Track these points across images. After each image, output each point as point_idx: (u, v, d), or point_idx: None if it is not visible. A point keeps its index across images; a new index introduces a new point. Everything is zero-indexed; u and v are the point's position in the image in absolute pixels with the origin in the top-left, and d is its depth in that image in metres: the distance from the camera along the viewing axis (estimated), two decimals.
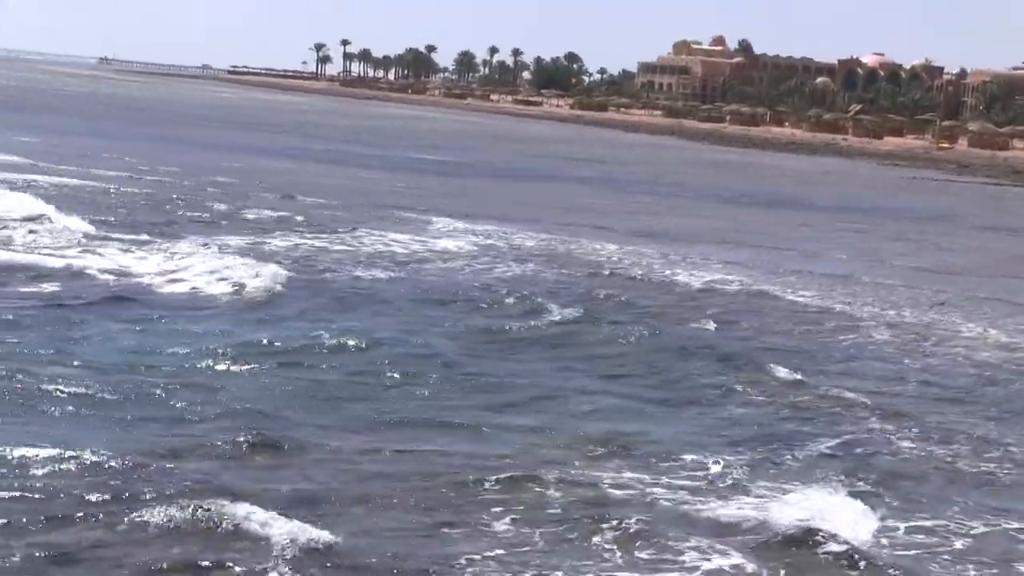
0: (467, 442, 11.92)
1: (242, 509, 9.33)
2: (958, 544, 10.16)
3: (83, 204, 27.85)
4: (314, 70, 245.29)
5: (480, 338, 16.70)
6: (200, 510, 9.28)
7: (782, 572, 9.25)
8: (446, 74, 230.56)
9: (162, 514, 9.20)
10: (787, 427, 13.30)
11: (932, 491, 11.48)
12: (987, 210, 53.48)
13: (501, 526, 9.76)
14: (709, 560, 9.32)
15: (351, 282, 20.58)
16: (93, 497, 9.54)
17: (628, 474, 11.17)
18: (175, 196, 31.77)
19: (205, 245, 23.04)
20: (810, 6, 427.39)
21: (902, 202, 53.79)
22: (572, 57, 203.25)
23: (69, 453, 10.34)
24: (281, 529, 9.12)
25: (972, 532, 10.45)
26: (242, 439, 11.19)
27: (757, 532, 9.97)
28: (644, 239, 30.62)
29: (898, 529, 10.32)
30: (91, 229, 23.75)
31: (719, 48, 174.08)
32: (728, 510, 10.41)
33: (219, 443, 11.13)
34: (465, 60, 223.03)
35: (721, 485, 11.09)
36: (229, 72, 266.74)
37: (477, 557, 9.13)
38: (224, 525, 9.16)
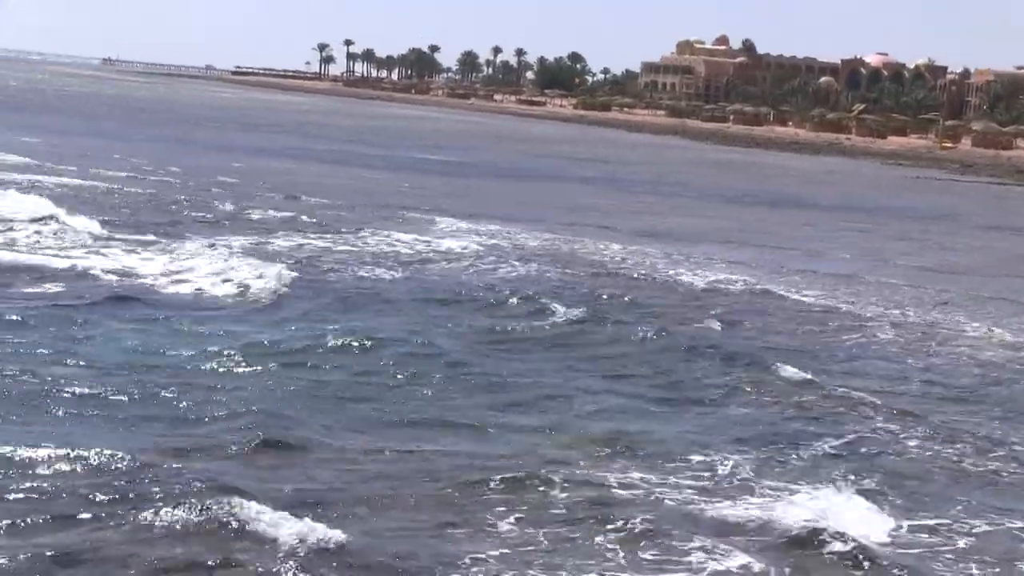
0: (471, 442, 11.93)
1: (248, 508, 9.34)
2: (963, 543, 10.17)
3: (88, 205, 27.90)
4: (317, 70, 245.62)
5: (484, 338, 16.71)
6: (206, 510, 9.30)
7: (788, 572, 9.26)
8: (449, 74, 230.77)
9: (168, 514, 9.22)
10: (792, 427, 13.31)
11: (937, 490, 11.48)
12: (991, 209, 53.45)
13: (505, 526, 9.77)
14: (715, 560, 9.32)
15: (355, 282, 20.60)
16: (99, 497, 9.56)
17: (633, 474, 11.17)
18: (179, 196, 31.82)
19: (210, 246, 23.08)
20: (813, 6, 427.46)
21: (906, 201, 53.77)
22: (575, 57, 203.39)
23: (74, 453, 10.36)
24: (287, 529, 9.13)
25: (976, 531, 10.45)
26: (247, 439, 11.21)
27: (763, 532, 9.98)
28: (648, 239, 30.62)
29: (903, 528, 10.31)
30: (96, 230, 23.80)
31: (722, 48, 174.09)
32: (733, 510, 10.41)
33: (224, 443, 11.15)
34: (468, 60, 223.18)
35: (726, 485, 11.09)
36: (233, 72, 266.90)
37: (481, 556, 9.13)
38: (230, 525, 9.18)
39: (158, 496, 9.60)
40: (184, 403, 12.38)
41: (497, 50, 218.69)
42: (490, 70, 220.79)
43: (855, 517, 10.26)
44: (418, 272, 22.27)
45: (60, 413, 11.75)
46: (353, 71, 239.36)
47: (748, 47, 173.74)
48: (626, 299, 20.40)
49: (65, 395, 12.30)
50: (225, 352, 14.52)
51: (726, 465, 11.60)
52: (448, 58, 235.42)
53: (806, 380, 15.18)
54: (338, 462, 11.01)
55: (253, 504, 9.41)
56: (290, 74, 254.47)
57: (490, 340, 16.61)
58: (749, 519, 10.19)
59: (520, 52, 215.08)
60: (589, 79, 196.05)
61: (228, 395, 12.75)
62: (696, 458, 11.77)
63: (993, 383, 16.38)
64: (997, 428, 13.92)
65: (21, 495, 9.57)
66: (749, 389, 14.68)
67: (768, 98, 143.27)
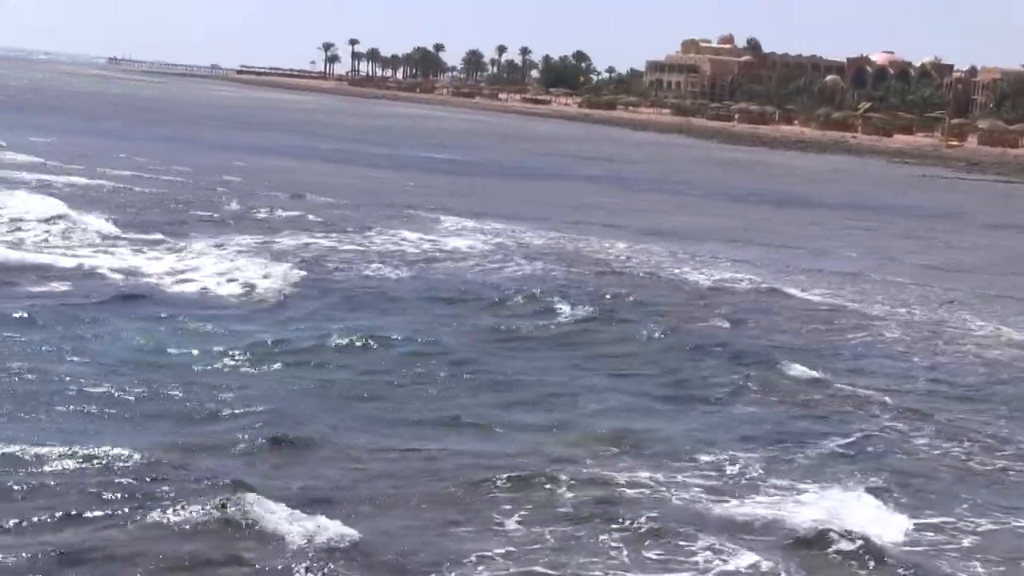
0: (477, 440, 11.94)
1: (256, 506, 9.36)
2: (970, 541, 10.17)
3: (96, 204, 27.96)
4: (322, 69, 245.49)
5: (490, 337, 16.71)
6: (214, 508, 9.31)
7: (796, 571, 9.25)
8: (454, 73, 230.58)
9: (175, 512, 9.24)
10: (799, 425, 13.30)
11: (944, 489, 11.48)
12: (997, 208, 53.38)
13: (511, 524, 9.78)
14: (722, 559, 9.32)
15: (361, 281, 20.62)
16: (106, 495, 9.59)
17: (639, 473, 11.17)
18: (186, 196, 31.89)
19: (216, 245, 23.14)
20: (819, 4, 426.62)
21: (912, 200, 53.70)
22: (580, 56, 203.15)
23: (82, 451, 10.39)
24: (294, 526, 9.15)
25: (982, 530, 10.45)
26: (254, 437, 11.24)
27: (770, 531, 9.97)
28: (653, 237, 30.61)
29: (911, 527, 10.31)
30: (104, 229, 23.87)
31: (728, 46, 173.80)
32: (741, 509, 10.41)
33: (231, 441, 11.18)
34: (473, 59, 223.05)
35: (733, 484, 11.09)
36: (238, 72, 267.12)
37: (487, 554, 9.14)
38: (238, 522, 9.20)
39: (165, 494, 9.63)
40: (191, 402, 12.41)
41: (502, 49, 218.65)
42: (495, 69, 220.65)
43: (863, 516, 10.25)
44: (424, 271, 22.29)
45: (67, 411, 11.78)
46: (358, 70, 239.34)
47: (753, 46, 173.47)
48: (632, 298, 20.39)
49: (72, 393, 12.33)
50: (232, 351, 14.55)
51: (733, 464, 11.60)
52: (453, 57, 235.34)
53: (813, 379, 15.18)
54: (345, 460, 11.03)
55: (261, 502, 9.43)
56: (295, 73, 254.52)
57: (496, 339, 16.62)
58: (756, 518, 10.19)
59: (525, 51, 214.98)
60: (594, 78, 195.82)
61: (235, 394, 12.78)
62: (703, 457, 11.77)
63: (1000, 382, 16.36)
64: (1004, 427, 13.91)
65: (28, 493, 9.59)
66: (756, 388, 14.67)
67: (773, 97, 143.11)
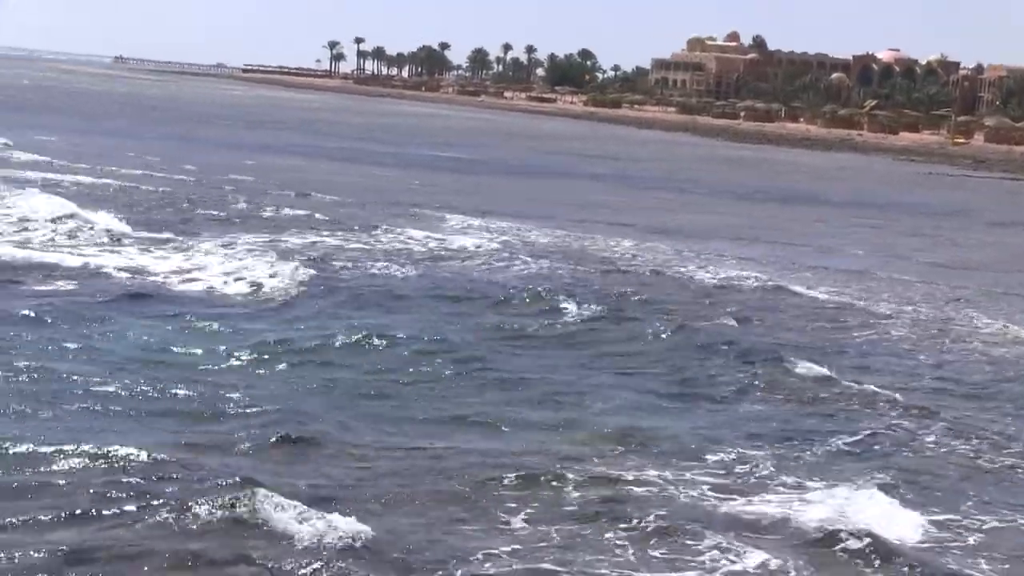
0: (484, 439, 11.95)
1: (263, 504, 9.37)
2: (977, 539, 10.15)
3: (104, 203, 27.98)
4: (328, 68, 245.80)
5: (496, 335, 16.72)
6: (221, 506, 9.32)
7: (804, 569, 9.24)
8: (460, 71, 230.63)
9: (183, 510, 9.24)
10: (807, 423, 13.29)
11: (951, 486, 11.46)
12: (1003, 205, 53.32)
13: (518, 522, 9.78)
14: (729, 557, 9.30)
15: (367, 280, 20.64)
16: (114, 493, 9.59)
17: (647, 471, 11.16)
18: (193, 194, 31.93)
19: (223, 244, 23.16)
20: (825, 1, 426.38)
21: (918, 198, 53.63)
22: (586, 54, 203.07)
23: (89, 449, 10.40)
24: (302, 524, 9.16)
25: (988, 527, 10.43)
26: (261, 436, 11.26)
27: (778, 529, 9.96)
28: (659, 235, 30.60)
29: (918, 524, 10.28)
30: (112, 228, 23.92)
31: (733, 44, 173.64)
32: (749, 507, 10.39)
33: (239, 439, 11.19)
34: (479, 57, 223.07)
35: (741, 482, 11.08)
36: (243, 71, 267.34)
37: (494, 552, 9.14)
38: (246, 520, 9.20)
39: (173, 493, 9.63)
40: (198, 400, 12.42)
41: (507, 47, 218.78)
42: (500, 67, 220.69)
43: (871, 514, 10.23)
44: (430, 269, 22.30)
45: (74, 409, 11.79)
46: (363, 69, 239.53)
47: (759, 43, 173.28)
48: (638, 296, 20.38)
49: (79, 392, 12.34)
50: (239, 349, 14.57)
51: (741, 462, 11.58)
52: (458, 55, 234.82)
53: (820, 376, 15.16)
54: (351, 459, 11.03)
55: (269, 500, 9.43)
56: (301, 72, 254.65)
57: (502, 337, 16.62)
58: (764, 516, 10.17)
59: (530, 49, 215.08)
60: (599, 76, 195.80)
61: (242, 392, 12.79)
62: (710, 455, 11.76)
63: (1007, 379, 16.34)
64: (1011, 424, 13.89)
65: (36, 492, 9.60)
66: (762, 385, 14.66)
67: (779, 94, 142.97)
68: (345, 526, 9.20)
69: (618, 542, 9.48)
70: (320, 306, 17.95)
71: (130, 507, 9.33)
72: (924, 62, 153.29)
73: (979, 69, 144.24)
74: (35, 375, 12.80)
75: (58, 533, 8.87)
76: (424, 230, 27.65)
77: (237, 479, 9.95)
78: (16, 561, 8.36)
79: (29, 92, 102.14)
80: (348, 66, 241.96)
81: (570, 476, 10.75)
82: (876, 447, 12.54)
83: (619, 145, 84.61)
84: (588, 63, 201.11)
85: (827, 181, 61.51)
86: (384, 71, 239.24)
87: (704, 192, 48.74)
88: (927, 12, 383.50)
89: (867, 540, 9.64)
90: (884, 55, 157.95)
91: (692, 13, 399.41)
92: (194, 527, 9.10)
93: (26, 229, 23.14)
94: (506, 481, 10.56)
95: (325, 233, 26.02)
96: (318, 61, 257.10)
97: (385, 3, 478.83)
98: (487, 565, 8.94)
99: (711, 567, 9.17)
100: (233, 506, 9.33)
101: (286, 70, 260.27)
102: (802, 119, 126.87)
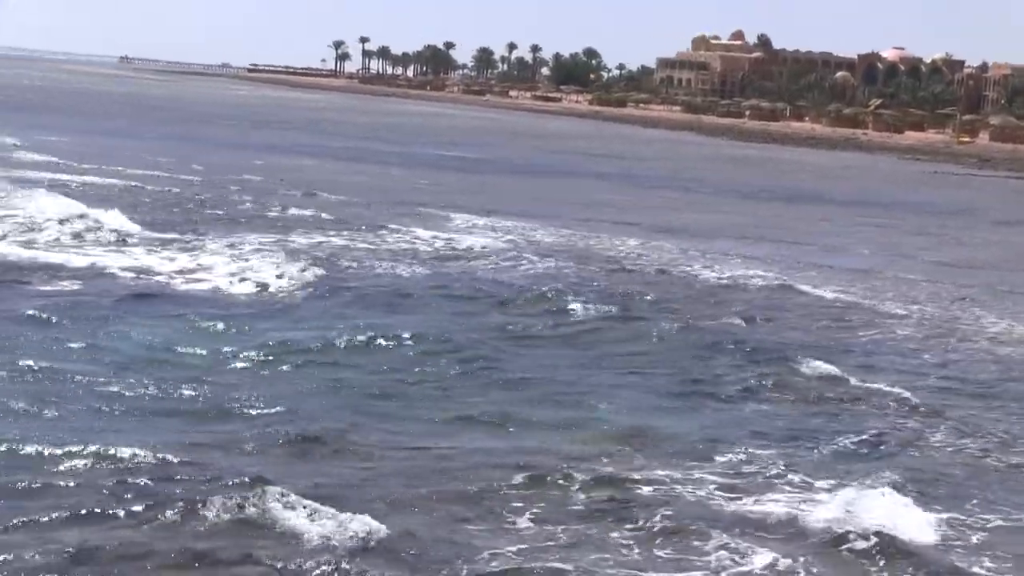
0: (490, 438, 11.95)
1: (272, 504, 9.38)
2: (983, 537, 10.13)
3: (111, 203, 28.00)
4: (333, 67, 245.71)
5: (502, 335, 16.72)
6: (228, 505, 9.33)
7: (811, 568, 9.24)
8: (465, 71, 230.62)
9: (190, 509, 9.26)
10: (813, 422, 13.28)
11: (957, 485, 11.44)
12: (1009, 204, 53.25)
13: (524, 522, 9.78)
14: (736, 557, 9.29)
15: (373, 279, 20.65)
16: (121, 493, 9.61)
17: (653, 471, 11.15)
18: (199, 194, 31.98)
19: (229, 244, 23.19)
20: (829, 0, 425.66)
21: (923, 196, 53.56)
22: (591, 53, 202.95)
23: (96, 449, 10.41)
24: (308, 524, 9.17)
25: (995, 526, 10.42)
26: (267, 435, 11.27)
27: (785, 528, 9.95)
28: (664, 235, 30.59)
29: (925, 523, 10.26)
30: (120, 228, 23.95)
31: (738, 43, 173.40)
32: (755, 506, 10.39)
33: (245, 439, 11.21)
34: (484, 57, 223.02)
35: (748, 481, 11.06)
36: (248, 70, 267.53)
37: (500, 552, 9.15)
38: (252, 520, 9.22)
39: (180, 492, 9.65)
40: (204, 400, 12.44)
41: (512, 46, 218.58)
42: (505, 66, 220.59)
43: (878, 513, 10.21)
44: (436, 269, 22.30)
45: (80, 409, 11.80)
46: (369, 68, 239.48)
47: (764, 42, 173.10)
48: (644, 295, 20.38)
49: (85, 392, 12.37)
50: (245, 349, 14.58)
51: (747, 462, 11.57)
52: (463, 55, 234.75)
53: (826, 376, 15.16)
54: (358, 458, 11.05)
55: (276, 499, 9.45)
56: (306, 71, 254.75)
57: (508, 337, 16.63)
58: (771, 516, 10.16)
59: (535, 48, 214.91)
60: (604, 75, 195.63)
61: (248, 392, 12.81)
62: (717, 455, 11.74)
63: (1012, 378, 16.31)
64: (1016, 423, 13.87)
65: (42, 492, 9.62)
66: (769, 385, 14.65)
67: (784, 93, 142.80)
68: (351, 525, 9.21)
69: (624, 542, 9.48)
70: (326, 306, 17.97)
71: (137, 507, 9.35)
72: (929, 61, 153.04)
73: (984, 68, 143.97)
74: (41, 375, 12.82)
75: (65, 533, 8.88)
76: (430, 230, 27.67)
77: (245, 479, 9.96)
78: (23, 562, 8.37)
79: (41, 93, 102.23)
80: (353, 66, 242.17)
81: (576, 476, 10.75)
82: (883, 446, 12.53)
83: (624, 144, 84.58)
84: (593, 62, 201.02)
85: (832, 180, 61.45)
86: (389, 71, 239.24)
87: (709, 191, 48.71)
88: (932, 11, 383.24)
89: (875, 539, 9.63)
90: (889, 54, 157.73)
91: (697, 12, 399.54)
92: (202, 527, 9.11)
93: (33, 229, 23.19)
94: (512, 481, 10.56)
95: (331, 233, 26.04)
96: (323, 61, 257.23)
97: (390, 2, 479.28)
98: (493, 564, 8.95)
99: (718, 567, 9.16)
100: (242, 506, 9.34)
101: (291, 70, 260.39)
102: (807, 118, 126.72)
